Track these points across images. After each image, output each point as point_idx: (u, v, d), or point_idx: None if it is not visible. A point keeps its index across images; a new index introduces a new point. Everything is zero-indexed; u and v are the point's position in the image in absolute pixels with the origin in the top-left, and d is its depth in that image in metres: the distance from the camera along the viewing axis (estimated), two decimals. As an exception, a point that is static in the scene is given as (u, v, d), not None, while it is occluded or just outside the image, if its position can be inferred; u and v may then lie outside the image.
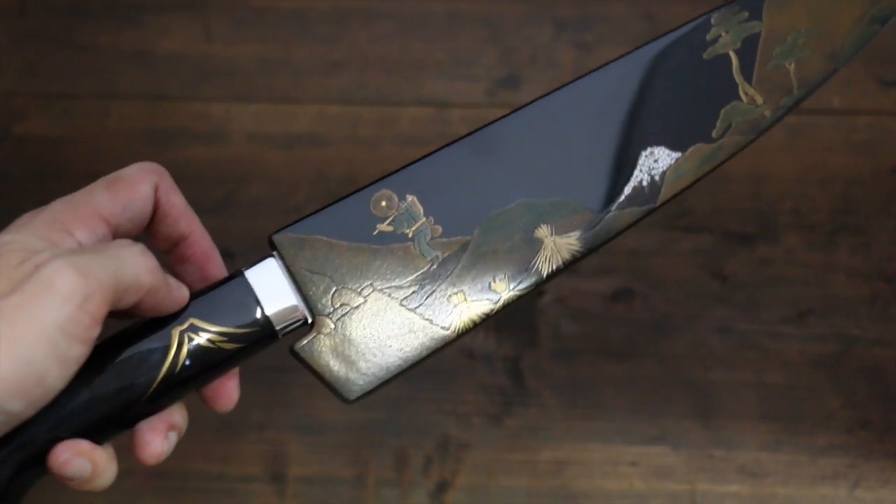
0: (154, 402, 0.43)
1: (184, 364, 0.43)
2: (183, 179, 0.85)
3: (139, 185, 0.45)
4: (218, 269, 0.48)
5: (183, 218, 0.47)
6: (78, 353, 0.39)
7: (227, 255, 0.82)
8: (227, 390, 0.46)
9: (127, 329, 0.44)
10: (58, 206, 0.43)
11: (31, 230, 0.42)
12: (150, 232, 0.47)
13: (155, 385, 0.43)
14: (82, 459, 0.41)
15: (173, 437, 0.44)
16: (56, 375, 0.39)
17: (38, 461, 0.41)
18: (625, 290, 0.82)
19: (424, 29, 0.91)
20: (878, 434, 0.77)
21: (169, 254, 0.48)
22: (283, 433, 0.77)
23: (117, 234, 0.44)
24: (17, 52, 0.91)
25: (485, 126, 0.49)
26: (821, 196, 0.84)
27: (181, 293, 0.44)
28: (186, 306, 0.44)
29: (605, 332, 0.80)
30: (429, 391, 0.79)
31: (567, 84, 0.50)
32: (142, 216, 0.45)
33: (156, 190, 0.46)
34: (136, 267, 0.41)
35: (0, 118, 0.88)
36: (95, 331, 0.40)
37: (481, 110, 0.88)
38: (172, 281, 0.44)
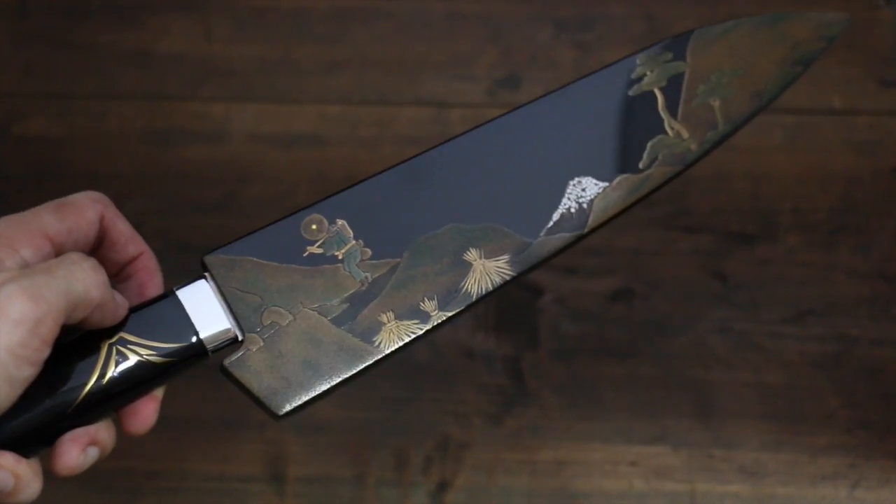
0: (81, 415, 0.44)
1: (112, 377, 0.44)
2: (183, 179, 0.86)
3: (85, 211, 0.46)
4: (157, 289, 0.49)
5: (130, 242, 0.48)
6: (27, 374, 0.40)
7: (226, 255, 0.83)
8: (146, 412, 0.46)
9: (57, 342, 0.44)
10: (3, 224, 0.44)
11: None
12: (100, 259, 0.47)
13: (82, 397, 0.43)
14: (4, 472, 0.41)
15: (93, 453, 0.44)
16: (4, 396, 0.40)
17: None
18: (625, 290, 0.82)
19: (424, 29, 0.91)
20: (878, 434, 0.77)
21: (115, 276, 0.48)
22: (283, 433, 0.77)
23: (61, 254, 0.44)
24: (17, 52, 0.91)
25: (416, 155, 0.51)
26: (821, 196, 0.84)
27: (124, 309, 0.45)
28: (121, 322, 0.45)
29: (605, 332, 0.80)
30: (429, 391, 0.79)
31: (497, 117, 0.52)
32: (85, 241, 0.46)
33: (102, 219, 0.46)
34: (86, 283, 0.42)
35: (0, 118, 0.88)
36: (45, 352, 0.40)
37: (481, 110, 0.88)
38: (118, 296, 0.45)
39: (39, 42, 0.91)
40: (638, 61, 0.54)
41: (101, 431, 0.44)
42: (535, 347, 0.80)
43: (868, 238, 0.83)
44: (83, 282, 0.41)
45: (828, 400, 0.78)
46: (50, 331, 0.40)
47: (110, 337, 0.44)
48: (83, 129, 0.87)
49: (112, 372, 0.44)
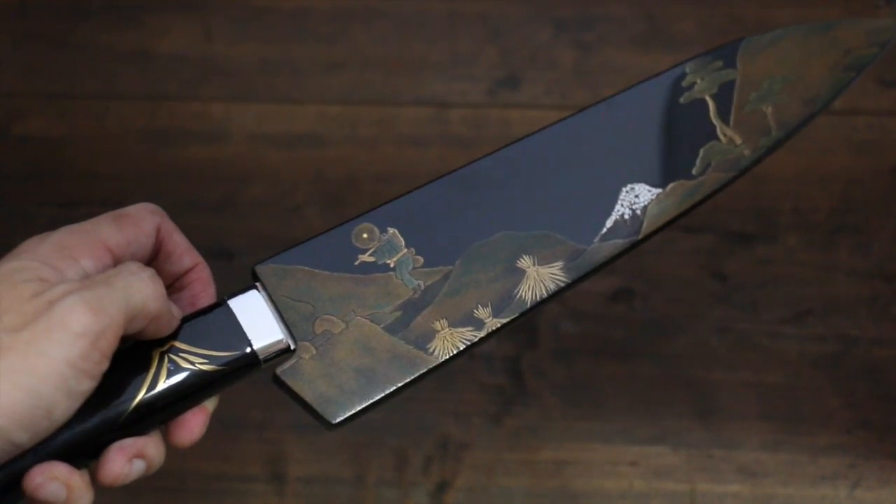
0: (132, 425, 0.43)
1: (163, 386, 0.44)
2: (183, 179, 0.86)
3: (143, 223, 0.46)
4: (210, 300, 0.48)
5: (187, 254, 0.48)
6: (86, 387, 0.40)
7: (226, 254, 0.83)
8: (192, 423, 0.46)
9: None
10: (64, 233, 0.44)
11: (39, 256, 0.42)
12: (156, 270, 0.47)
13: (133, 407, 0.43)
14: (57, 483, 0.41)
15: (138, 465, 0.44)
16: (63, 408, 0.40)
17: (15, 484, 0.41)
18: (625, 290, 0.82)
19: (424, 29, 0.91)
20: (878, 434, 0.77)
21: (169, 287, 0.48)
22: (283, 433, 0.77)
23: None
24: (17, 52, 0.91)
25: (466, 164, 0.51)
26: (821, 196, 0.84)
27: (177, 319, 0.45)
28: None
29: (605, 332, 0.80)
30: (429, 391, 0.79)
31: (548, 126, 0.52)
32: (143, 252, 0.46)
33: (158, 230, 0.46)
34: (144, 294, 0.42)
35: (0, 118, 0.88)
36: (105, 365, 0.40)
37: (481, 110, 0.88)
38: (173, 307, 0.45)
39: (39, 42, 0.91)
40: (687, 69, 0.54)
41: (150, 446, 0.44)
42: (535, 347, 0.80)
43: (868, 238, 0.83)
44: (142, 293, 0.41)
45: (828, 400, 0.78)
46: (110, 344, 0.40)
47: (162, 346, 0.44)
48: (83, 129, 0.87)
49: (164, 381, 0.44)
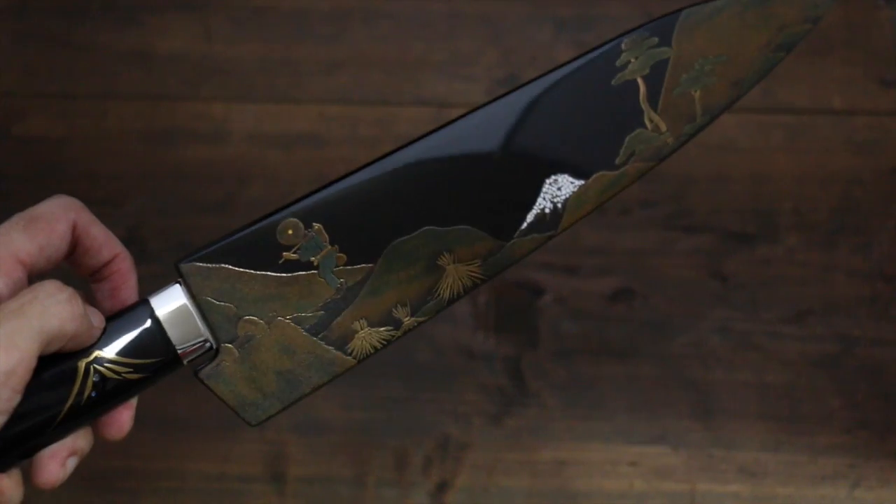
0: (59, 431, 0.44)
1: (89, 395, 0.44)
2: (183, 179, 0.86)
3: (56, 225, 0.44)
4: (131, 291, 0.48)
5: (105, 247, 0.47)
6: None
7: (226, 255, 0.83)
8: (121, 419, 0.46)
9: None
10: None
11: None
12: (73, 263, 0.47)
13: (61, 417, 0.43)
14: None
15: (72, 463, 0.44)
16: None
17: None
18: (625, 290, 0.82)
19: (424, 29, 0.91)
20: (878, 434, 0.77)
21: (89, 277, 0.48)
22: (282, 433, 0.77)
23: (33, 273, 0.44)
24: (17, 52, 0.91)
25: (390, 153, 0.50)
26: (821, 196, 0.84)
27: (99, 329, 0.44)
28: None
29: (605, 332, 0.80)
30: (429, 391, 0.79)
31: (473, 110, 0.50)
32: (58, 254, 0.45)
33: (74, 228, 0.45)
34: (61, 318, 0.41)
35: (0, 118, 0.88)
36: (17, 400, 0.40)
37: (481, 110, 0.88)
38: (94, 317, 0.44)
39: (39, 42, 0.91)
40: (623, 46, 0.51)
41: (79, 440, 0.44)
42: (535, 347, 0.80)
43: (868, 238, 0.83)
44: (58, 317, 0.41)
45: (828, 400, 0.78)
46: (22, 380, 0.39)
47: (87, 356, 0.44)
48: (83, 129, 0.87)
49: (90, 391, 0.44)
